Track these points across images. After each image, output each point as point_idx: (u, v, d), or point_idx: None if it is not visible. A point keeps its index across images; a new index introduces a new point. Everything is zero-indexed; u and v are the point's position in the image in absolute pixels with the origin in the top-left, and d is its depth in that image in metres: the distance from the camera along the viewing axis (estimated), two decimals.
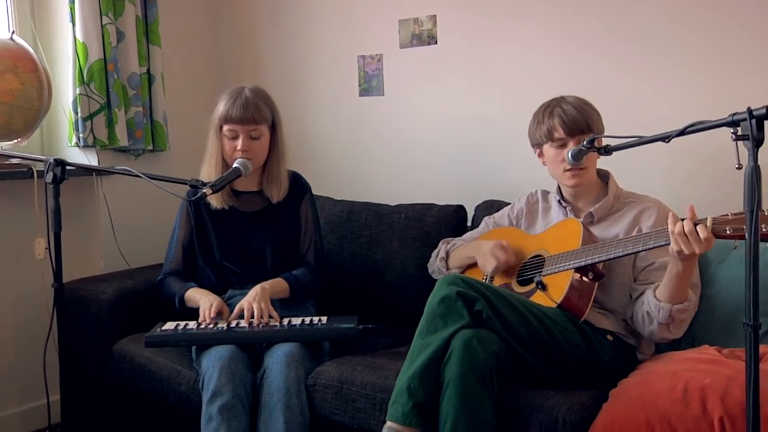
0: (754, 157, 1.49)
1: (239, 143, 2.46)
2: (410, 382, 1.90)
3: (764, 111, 1.47)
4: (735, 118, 1.53)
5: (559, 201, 2.39)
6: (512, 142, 2.85)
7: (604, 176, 2.38)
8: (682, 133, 1.70)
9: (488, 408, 1.86)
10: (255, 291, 2.41)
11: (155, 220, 3.24)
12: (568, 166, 2.24)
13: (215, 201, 2.53)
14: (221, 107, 2.50)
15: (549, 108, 2.31)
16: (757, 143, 1.49)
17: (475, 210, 2.77)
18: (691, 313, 2.11)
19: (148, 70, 3.19)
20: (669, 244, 1.89)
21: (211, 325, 2.32)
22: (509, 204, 2.62)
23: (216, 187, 2.30)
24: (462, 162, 3.02)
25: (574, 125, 2.24)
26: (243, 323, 2.33)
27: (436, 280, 2.54)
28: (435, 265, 2.59)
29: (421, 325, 2.00)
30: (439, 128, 3.08)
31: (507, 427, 1.87)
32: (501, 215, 2.57)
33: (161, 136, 3.22)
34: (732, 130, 1.52)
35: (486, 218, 2.62)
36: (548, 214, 2.46)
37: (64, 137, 3.09)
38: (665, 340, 2.13)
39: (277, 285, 2.48)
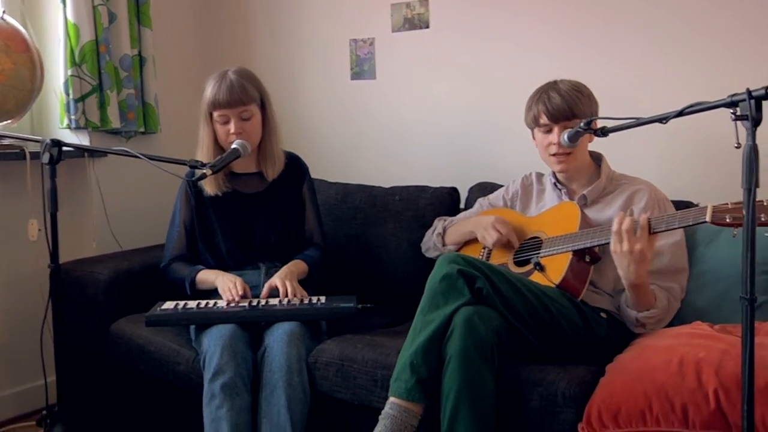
0: (753, 136, 1.53)
1: (232, 126, 2.47)
2: (413, 358, 1.93)
3: (763, 92, 1.52)
4: (734, 99, 1.58)
5: (554, 183, 2.44)
6: (505, 125, 2.91)
7: (597, 158, 2.42)
8: (680, 114, 1.74)
9: (490, 383, 1.90)
10: (285, 271, 2.46)
11: (147, 202, 3.26)
12: (554, 151, 2.30)
13: (211, 188, 2.54)
14: (208, 93, 2.50)
15: (539, 93, 2.36)
16: (756, 123, 1.53)
17: (469, 192, 2.81)
18: (663, 315, 2.16)
19: (140, 52, 3.18)
20: (667, 230, 1.98)
21: (243, 303, 2.35)
22: (502, 186, 2.67)
23: (216, 168, 2.31)
24: (454, 145, 3.06)
25: (557, 112, 2.28)
26: (243, 303, 2.35)
27: (430, 261, 2.61)
28: (431, 241, 2.63)
29: (423, 303, 2.03)
30: (432, 111, 3.11)
31: (508, 401, 1.92)
32: (496, 196, 2.62)
33: (153, 118, 3.22)
34: (731, 111, 1.57)
35: (480, 199, 2.66)
36: (542, 196, 2.50)
37: (55, 119, 3.09)
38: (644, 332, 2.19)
39: (300, 266, 2.54)
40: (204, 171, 2.29)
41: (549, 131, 2.32)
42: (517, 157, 2.83)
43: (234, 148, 2.41)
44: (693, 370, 1.77)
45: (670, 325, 2.20)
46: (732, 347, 1.83)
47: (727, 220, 1.81)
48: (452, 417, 1.86)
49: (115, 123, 3.04)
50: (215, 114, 2.49)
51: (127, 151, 2.41)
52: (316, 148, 3.29)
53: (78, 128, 2.99)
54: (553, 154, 2.32)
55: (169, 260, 2.63)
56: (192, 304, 2.38)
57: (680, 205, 2.27)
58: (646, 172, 2.43)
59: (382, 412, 1.93)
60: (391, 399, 1.94)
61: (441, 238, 2.60)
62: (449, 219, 2.66)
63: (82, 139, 3.05)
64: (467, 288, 1.98)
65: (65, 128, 3.01)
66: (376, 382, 2.11)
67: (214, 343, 2.20)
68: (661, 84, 2.65)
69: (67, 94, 2.95)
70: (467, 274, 1.99)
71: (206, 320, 2.30)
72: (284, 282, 2.40)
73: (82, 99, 2.97)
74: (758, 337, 1.90)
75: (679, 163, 2.65)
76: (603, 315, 2.21)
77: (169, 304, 2.38)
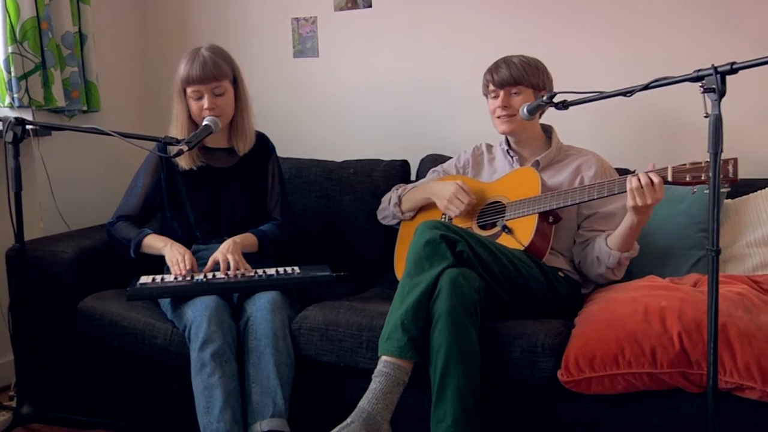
0: (718, 107, 1.74)
1: (205, 102, 2.51)
2: (404, 319, 2.05)
3: (728, 67, 1.73)
4: (700, 74, 1.78)
5: (507, 150, 2.61)
6: (449, 99, 3.07)
7: (547, 130, 2.62)
8: (646, 87, 1.93)
9: (475, 338, 2.05)
10: (227, 244, 2.49)
11: (94, 181, 3.25)
12: (499, 113, 2.51)
13: (186, 163, 2.58)
14: (181, 70, 2.53)
15: (492, 64, 2.56)
16: (721, 95, 1.74)
17: (420, 163, 2.96)
18: (629, 261, 2.39)
19: (80, 29, 3.13)
20: (624, 192, 2.16)
21: (188, 278, 2.39)
22: (452, 157, 2.82)
23: (191, 144, 2.36)
24: (401, 120, 3.19)
25: (501, 80, 2.49)
26: (219, 275, 2.41)
27: (387, 230, 2.77)
28: (389, 210, 2.76)
29: (408, 267, 2.15)
30: (377, 88, 3.23)
31: (491, 353, 2.08)
32: (448, 165, 2.78)
33: (95, 96, 3.18)
34: (699, 84, 1.77)
35: (433, 169, 2.81)
36: (494, 164, 2.68)
37: None
38: (608, 281, 2.41)
39: (247, 239, 2.57)
40: (181, 147, 2.33)
41: (496, 97, 2.52)
42: (463, 130, 3.01)
43: (206, 125, 2.45)
44: (658, 317, 1.98)
45: (622, 280, 2.43)
46: (688, 295, 2.06)
47: (687, 179, 2.04)
48: (443, 371, 2.00)
49: (60, 101, 2.99)
50: (189, 90, 2.52)
51: (97, 129, 2.41)
52: (264, 126, 3.30)
53: (21, 107, 2.92)
54: (498, 117, 2.52)
55: (117, 217, 2.66)
56: (169, 277, 2.42)
57: (622, 172, 2.50)
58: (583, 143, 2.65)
59: (376, 370, 2.05)
60: (384, 358, 2.06)
61: (398, 207, 2.73)
62: (403, 187, 2.80)
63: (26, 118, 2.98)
64: (449, 251, 2.12)
65: (7, 107, 2.93)
66: (362, 344, 2.22)
67: (200, 313, 2.25)
68: (602, 62, 2.88)
69: (8, 72, 2.88)
70: (449, 239, 2.14)
71: (190, 293, 2.34)
72: (225, 256, 2.46)
73: (24, 77, 2.90)
74: (702, 286, 2.16)
75: (611, 135, 2.88)
76: (561, 274, 2.41)
77: (146, 279, 2.41)
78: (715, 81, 1.74)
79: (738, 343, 1.89)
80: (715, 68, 1.75)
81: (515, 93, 2.48)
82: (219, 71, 2.51)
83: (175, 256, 2.48)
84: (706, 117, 1.75)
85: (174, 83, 2.56)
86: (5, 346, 2.74)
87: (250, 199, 2.69)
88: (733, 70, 1.73)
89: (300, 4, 3.30)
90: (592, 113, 2.81)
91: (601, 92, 2.07)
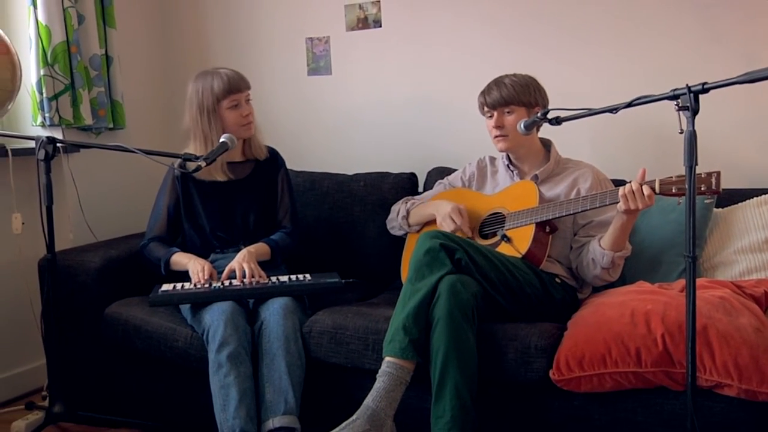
0: (692, 124, 1.87)
1: (244, 109, 2.72)
2: (405, 322, 2.21)
3: (700, 87, 1.86)
4: (675, 93, 1.91)
5: (507, 165, 2.76)
6: (455, 114, 3.22)
7: (546, 144, 2.76)
8: (629, 105, 2.07)
9: (472, 340, 2.19)
10: (242, 254, 2.66)
11: (119, 194, 3.44)
12: (495, 133, 2.66)
13: (219, 175, 2.76)
14: (215, 86, 2.70)
15: (486, 86, 2.71)
16: (695, 113, 1.88)
17: (427, 176, 3.11)
18: (623, 261, 2.51)
19: (106, 52, 3.32)
20: (617, 203, 2.29)
21: (206, 285, 2.56)
22: (456, 170, 2.97)
23: (209, 160, 2.53)
24: (409, 134, 3.35)
25: (493, 101, 2.65)
26: (236, 282, 2.57)
27: (395, 239, 2.91)
28: (396, 221, 2.91)
29: (410, 273, 2.31)
30: (387, 104, 3.38)
31: (488, 354, 2.21)
32: (454, 177, 2.92)
33: (120, 114, 3.37)
34: (675, 103, 1.90)
35: (439, 181, 2.96)
36: (496, 177, 2.82)
37: (26, 116, 3.21)
38: (605, 282, 2.53)
39: (261, 248, 2.74)
40: (199, 163, 2.50)
41: (491, 117, 2.67)
42: (467, 144, 3.14)
43: (222, 142, 2.62)
44: (643, 320, 2.11)
45: (613, 286, 2.55)
46: (672, 299, 2.18)
47: (673, 191, 2.17)
48: (442, 371, 2.14)
49: (87, 120, 3.18)
50: (226, 101, 2.70)
51: (122, 146, 2.59)
52: (279, 141, 3.47)
53: (52, 126, 3.11)
54: (495, 136, 2.67)
55: (148, 239, 2.85)
56: (188, 285, 2.59)
57: (619, 184, 2.62)
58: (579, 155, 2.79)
59: (380, 370, 2.20)
60: (387, 358, 2.20)
61: (406, 220, 2.88)
62: (413, 200, 2.94)
63: (56, 136, 3.17)
64: (449, 259, 2.27)
65: (39, 126, 3.13)
66: (368, 346, 2.37)
67: (217, 318, 2.41)
68: (598, 77, 3.01)
69: (41, 93, 3.07)
70: (448, 247, 2.29)
71: (208, 298, 2.51)
72: (241, 265, 2.62)
73: (55, 97, 3.09)
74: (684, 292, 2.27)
75: (610, 147, 3.02)
76: (557, 280, 2.54)
77: (167, 286, 2.58)
78: (689, 99, 1.88)
79: (717, 344, 2.01)
80: (689, 88, 1.88)
81: (508, 112, 2.62)
82: (246, 80, 2.74)
83: (196, 267, 2.65)
84: (680, 133, 1.89)
85: (199, 102, 2.70)
86: (38, 350, 2.93)
87: (261, 208, 2.86)
88: (705, 90, 1.86)
89: (314, 25, 3.48)
90: (592, 126, 2.93)
91: (589, 109, 2.22)
